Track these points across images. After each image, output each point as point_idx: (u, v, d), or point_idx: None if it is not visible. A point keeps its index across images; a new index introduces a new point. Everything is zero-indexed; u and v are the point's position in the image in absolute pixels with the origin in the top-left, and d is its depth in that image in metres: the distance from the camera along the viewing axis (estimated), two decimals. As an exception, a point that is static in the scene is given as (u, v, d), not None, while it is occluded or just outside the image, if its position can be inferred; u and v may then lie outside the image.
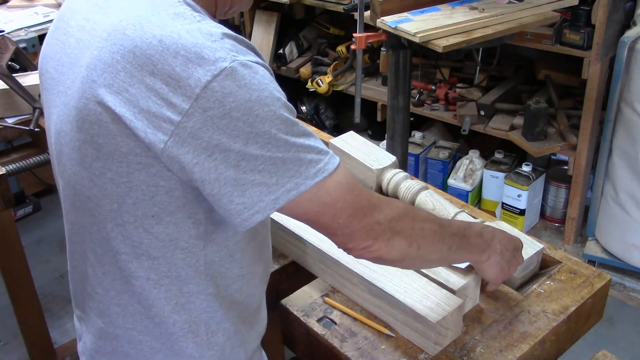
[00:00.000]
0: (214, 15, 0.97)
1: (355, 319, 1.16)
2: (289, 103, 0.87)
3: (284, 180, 0.84)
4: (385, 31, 2.14)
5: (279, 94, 0.85)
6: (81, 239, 0.98)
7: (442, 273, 1.14)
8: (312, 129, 1.78)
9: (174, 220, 0.90)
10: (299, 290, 1.23)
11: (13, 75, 1.99)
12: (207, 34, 0.82)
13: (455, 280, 1.13)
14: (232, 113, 0.80)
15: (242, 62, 0.81)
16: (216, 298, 0.97)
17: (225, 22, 4.07)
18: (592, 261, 2.69)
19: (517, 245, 1.13)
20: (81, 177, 0.91)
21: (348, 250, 0.92)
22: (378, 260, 0.94)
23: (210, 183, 0.83)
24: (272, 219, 1.29)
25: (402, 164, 2.51)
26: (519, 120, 2.84)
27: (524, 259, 1.18)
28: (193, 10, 0.87)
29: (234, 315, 1.00)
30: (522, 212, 2.90)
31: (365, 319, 1.15)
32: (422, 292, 1.11)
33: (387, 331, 1.12)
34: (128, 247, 0.92)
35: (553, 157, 3.06)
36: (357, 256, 0.92)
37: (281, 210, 0.86)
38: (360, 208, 0.89)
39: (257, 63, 0.84)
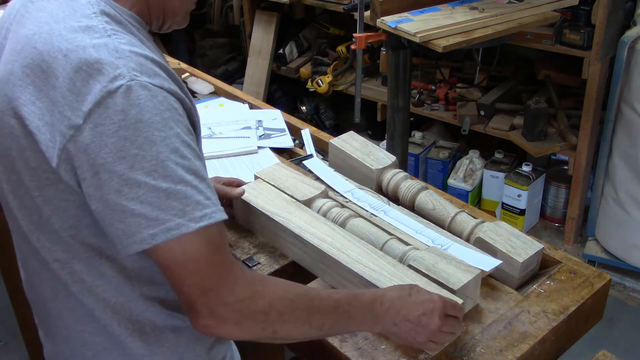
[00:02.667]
0: (149, 26, 0.96)
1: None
2: (189, 140, 0.84)
3: (165, 216, 0.80)
4: (385, 31, 2.14)
5: (178, 125, 0.82)
6: (20, 248, 0.99)
7: (442, 273, 1.14)
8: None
9: (92, 232, 0.89)
10: (299, 290, 1.22)
11: None
12: (112, 50, 0.81)
13: (455, 280, 1.13)
14: (120, 132, 0.78)
15: (142, 83, 0.80)
16: (155, 299, 0.95)
17: (225, 22, 4.05)
18: (592, 261, 2.69)
19: (427, 310, 1.00)
20: (5, 189, 0.92)
21: (191, 322, 0.86)
22: (224, 338, 0.89)
23: (95, 200, 0.82)
24: (273, 220, 1.29)
25: (402, 164, 2.51)
26: (519, 120, 2.83)
27: (471, 303, 1.14)
28: (110, 21, 0.85)
29: (182, 312, 0.97)
30: (522, 212, 2.90)
31: None
32: None
33: None
34: (56, 256, 0.92)
35: (553, 157, 3.06)
36: (200, 332, 0.86)
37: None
38: (210, 280, 0.83)
39: (161, 87, 0.82)
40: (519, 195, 2.86)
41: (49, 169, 0.84)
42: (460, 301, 1.09)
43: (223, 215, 0.84)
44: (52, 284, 0.96)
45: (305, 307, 0.91)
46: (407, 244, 1.25)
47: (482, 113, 2.93)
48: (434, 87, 3.12)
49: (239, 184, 1.39)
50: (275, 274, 1.28)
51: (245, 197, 1.36)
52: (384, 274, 1.14)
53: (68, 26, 0.84)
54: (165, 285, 0.93)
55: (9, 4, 0.96)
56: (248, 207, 1.36)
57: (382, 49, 2.33)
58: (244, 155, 1.69)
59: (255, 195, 1.36)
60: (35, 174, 0.86)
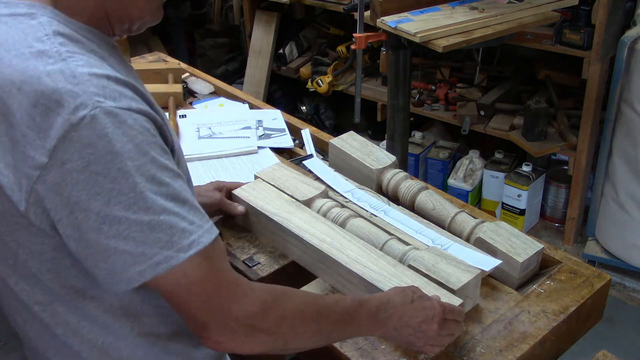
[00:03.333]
0: (111, 34, 0.89)
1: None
2: (165, 162, 0.79)
3: (152, 251, 0.75)
4: (385, 31, 2.14)
5: (152, 147, 0.77)
6: (1, 291, 0.94)
7: (442, 273, 1.14)
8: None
9: (73, 274, 0.84)
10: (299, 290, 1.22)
11: None
12: (69, 76, 0.75)
13: (455, 280, 1.13)
14: (91, 167, 0.73)
15: (106, 109, 0.74)
16: (146, 334, 0.92)
17: (225, 22, 4.04)
18: (592, 261, 2.69)
19: (428, 317, 1.00)
20: None
21: (201, 340, 0.83)
22: (236, 353, 0.86)
23: (74, 241, 0.77)
24: (272, 220, 1.29)
25: (402, 164, 2.51)
26: (519, 120, 2.83)
27: (471, 303, 1.15)
28: (66, 41, 0.79)
29: (175, 348, 0.95)
30: (522, 212, 2.90)
31: None
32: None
33: None
34: (36, 299, 0.87)
35: (553, 157, 3.06)
36: (212, 349, 0.84)
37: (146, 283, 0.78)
38: (218, 298, 0.80)
39: (129, 109, 0.76)
40: (519, 195, 2.86)
41: (17, 213, 0.79)
42: (459, 301, 1.09)
43: (212, 235, 0.80)
44: (35, 325, 0.91)
45: (316, 318, 0.90)
46: (407, 244, 1.25)
47: (482, 113, 2.93)
48: (434, 87, 3.12)
49: (239, 185, 1.40)
50: (275, 274, 1.28)
51: (245, 197, 1.36)
52: (384, 274, 1.14)
53: (19, 53, 0.77)
54: (156, 317, 0.91)
55: None
56: (248, 207, 1.36)
57: (382, 49, 2.33)
58: (244, 155, 1.69)
59: (255, 196, 1.36)
60: (4, 218, 0.81)
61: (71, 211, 0.75)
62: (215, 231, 0.82)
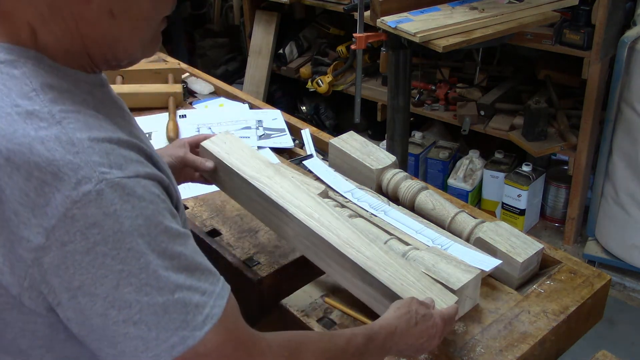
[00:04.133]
0: (95, 70, 0.81)
1: (355, 319, 1.16)
2: (175, 227, 0.72)
3: (166, 334, 0.69)
4: (385, 31, 2.14)
5: (163, 216, 0.71)
6: None
7: (442, 273, 1.14)
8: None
9: (68, 345, 0.76)
10: (299, 290, 1.22)
11: None
12: (67, 143, 0.67)
13: (455, 280, 1.13)
14: (97, 248, 0.66)
15: (112, 182, 0.67)
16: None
17: (225, 22, 4.03)
18: (592, 261, 2.69)
19: (430, 336, 1.00)
20: None
21: None
22: None
23: (77, 324, 0.70)
24: (250, 184, 1.20)
25: (402, 164, 2.51)
26: (519, 120, 2.84)
27: (471, 303, 1.14)
28: (56, 97, 0.70)
29: None
30: (522, 212, 2.90)
31: (365, 318, 1.15)
32: (419, 287, 1.08)
33: None
34: None
35: (553, 157, 3.06)
36: None
37: None
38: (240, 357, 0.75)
39: (137, 176, 0.69)
40: (519, 195, 2.86)
41: (7, 295, 0.70)
42: (455, 299, 1.08)
43: (224, 301, 0.74)
44: None
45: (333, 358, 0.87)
46: (407, 244, 1.25)
47: (482, 113, 2.93)
48: (434, 87, 3.12)
49: (205, 137, 1.27)
50: (276, 273, 1.28)
51: (216, 152, 1.23)
52: (379, 262, 1.09)
53: (3, 114, 0.67)
54: None
55: None
56: (219, 163, 1.22)
57: (382, 49, 2.33)
58: (244, 155, 1.69)
59: (228, 152, 1.22)
60: None
61: (73, 296, 0.68)
62: (226, 292, 0.75)
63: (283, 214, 1.16)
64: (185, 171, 1.27)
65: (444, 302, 1.08)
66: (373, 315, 1.16)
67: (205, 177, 1.29)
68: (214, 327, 0.72)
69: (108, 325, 0.68)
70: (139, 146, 0.74)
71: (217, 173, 1.24)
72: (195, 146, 1.27)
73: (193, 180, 1.30)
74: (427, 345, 1.01)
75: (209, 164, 1.23)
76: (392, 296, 1.08)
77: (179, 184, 1.26)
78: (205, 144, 1.25)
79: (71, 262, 0.66)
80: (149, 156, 0.76)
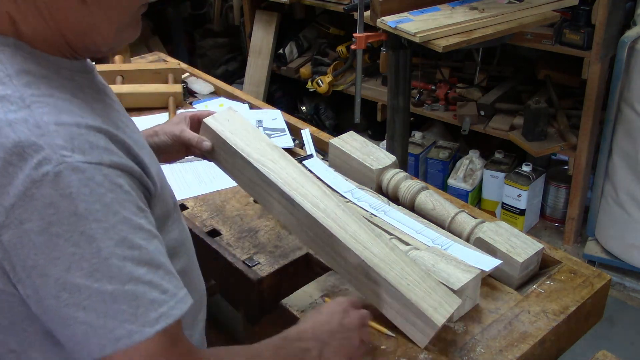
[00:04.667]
0: (76, 56, 0.82)
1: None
2: (140, 221, 0.72)
3: (113, 324, 0.69)
4: (385, 31, 2.14)
5: (124, 207, 0.71)
6: None
7: (442, 273, 1.14)
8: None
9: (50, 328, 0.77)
10: (299, 290, 1.22)
11: None
12: (33, 126, 0.68)
13: (455, 280, 1.13)
14: (52, 229, 0.67)
15: (72, 165, 0.68)
16: None
17: (225, 22, 4.02)
18: (592, 261, 2.69)
19: (341, 312, 1.00)
20: None
21: None
22: None
23: (34, 303, 0.72)
24: (254, 167, 1.15)
25: (402, 164, 2.51)
26: (519, 120, 2.84)
27: (471, 303, 1.14)
28: (32, 81, 0.73)
29: None
30: (522, 212, 2.90)
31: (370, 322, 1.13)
32: (424, 287, 1.08)
33: (387, 331, 1.12)
34: (10, 346, 0.80)
35: (553, 157, 3.06)
36: None
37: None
38: None
39: (99, 164, 0.70)
40: (519, 195, 2.86)
41: None
42: (458, 301, 1.08)
43: (185, 305, 0.74)
44: None
45: None
46: (407, 244, 1.25)
47: (482, 113, 2.93)
48: (434, 87, 3.13)
49: (209, 114, 1.23)
50: (276, 273, 1.28)
51: (218, 129, 1.17)
52: (386, 260, 1.07)
53: None
54: None
55: None
56: (222, 142, 1.17)
57: (382, 49, 2.33)
58: (244, 155, 1.69)
59: (231, 131, 1.17)
60: None
61: (29, 275, 0.69)
62: (189, 301, 0.75)
63: (288, 202, 1.13)
64: (181, 148, 1.22)
65: (449, 306, 1.07)
66: (376, 317, 1.16)
67: (204, 153, 1.23)
68: (168, 328, 0.72)
69: (60, 307, 0.69)
70: (112, 133, 0.74)
71: (217, 151, 1.19)
72: (197, 121, 1.22)
73: (188, 156, 1.25)
74: (348, 321, 0.99)
75: (206, 144, 1.18)
76: (397, 296, 1.07)
77: (175, 160, 1.25)
78: (207, 120, 1.19)
79: (27, 241, 0.67)
80: (124, 145, 0.76)
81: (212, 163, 1.24)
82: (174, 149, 1.20)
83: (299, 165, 1.18)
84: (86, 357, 0.71)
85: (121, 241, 0.70)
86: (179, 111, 1.90)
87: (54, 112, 0.71)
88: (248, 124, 1.21)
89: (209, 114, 1.22)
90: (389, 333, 1.11)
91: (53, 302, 0.69)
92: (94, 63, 0.89)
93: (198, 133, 1.21)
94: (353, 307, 1.03)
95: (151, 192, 0.81)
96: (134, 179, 0.76)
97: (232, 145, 1.16)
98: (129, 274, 0.70)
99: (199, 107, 1.99)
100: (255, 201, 1.48)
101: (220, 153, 1.19)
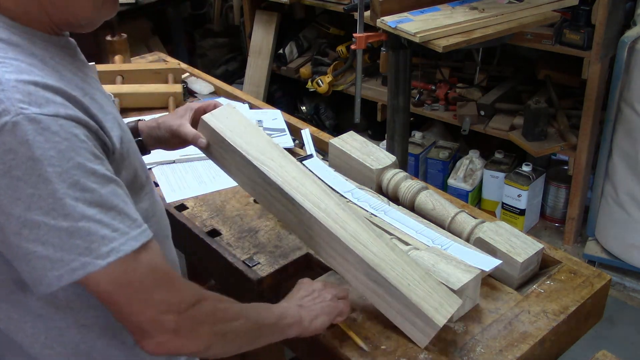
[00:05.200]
0: (60, 33, 0.90)
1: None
2: (94, 167, 0.80)
3: (69, 257, 0.77)
4: (385, 31, 2.13)
5: (79, 153, 0.78)
6: None
7: (442, 273, 1.14)
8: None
9: (13, 267, 0.84)
10: (299, 290, 1.22)
11: None
12: None
13: (455, 280, 1.13)
14: (12, 172, 0.75)
15: (29, 116, 0.76)
16: (91, 329, 0.93)
17: (225, 22, 4.02)
18: (592, 261, 2.69)
19: (313, 290, 1.12)
20: None
21: (140, 345, 0.85)
22: (179, 353, 0.88)
23: (0, 243, 0.80)
24: (254, 165, 1.16)
25: (402, 164, 2.51)
26: (519, 120, 2.83)
27: (471, 303, 1.16)
28: (2, 47, 0.81)
29: (122, 341, 0.96)
30: (522, 212, 2.90)
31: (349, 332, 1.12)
32: (425, 287, 1.08)
33: (361, 343, 1.10)
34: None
35: (553, 157, 3.06)
36: (150, 352, 0.86)
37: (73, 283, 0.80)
38: (156, 297, 0.83)
39: (55, 116, 0.77)
40: (519, 195, 2.86)
41: None
42: (459, 302, 1.08)
43: (136, 243, 0.81)
44: None
45: (241, 307, 0.96)
46: (407, 244, 1.25)
47: (482, 113, 2.93)
48: (434, 87, 3.12)
49: (215, 105, 1.25)
50: (276, 273, 1.28)
51: (218, 128, 1.17)
52: (386, 259, 1.08)
53: None
54: (99, 309, 0.90)
55: None
56: (220, 140, 1.17)
57: (382, 49, 2.33)
58: (244, 155, 1.69)
59: (230, 128, 1.17)
60: None
61: None
62: (144, 237, 0.83)
63: (288, 201, 1.13)
64: (179, 141, 1.25)
65: (450, 306, 1.07)
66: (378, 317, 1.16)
67: (202, 150, 1.25)
68: (122, 264, 0.80)
69: (21, 243, 0.77)
70: (70, 94, 0.81)
71: (215, 148, 1.20)
72: (201, 114, 1.23)
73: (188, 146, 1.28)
74: (316, 287, 1.11)
75: (202, 141, 1.20)
76: (398, 296, 1.07)
77: (178, 148, 1.29)
78: (206, 118, 1.19)
79: None
80: (81, 105, 0.83)
81: (212, 163, 1.24)
82: (172, 142, 1.25)
83: (299, 164, 1.17)
84: (45, 290, 0.79)
85: (74, 184, 0.77)
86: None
87: (15, 72, 0.79)
88: (247, 121, 1.20)
89: (216, 105, 1.23)
90: (363, 346, 1.10)
91: (15, 238, 0.77)
92: (92, 64, 0.92)
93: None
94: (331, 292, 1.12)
95: (109, 148, 0.88)
96: (91, 132, 0.83)
97: (231, 144, 1.16)
98: (82, 212, 0.77)
99: (199, 107, 1.99)
100: (255, 201, 1.48)
101: (218, 151, 1.19)
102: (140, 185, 0.98)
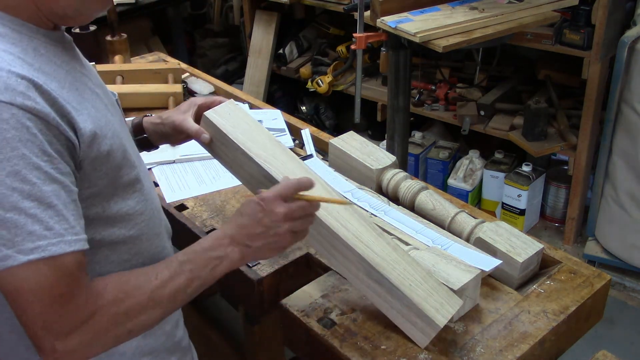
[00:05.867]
0: (52, 27, 0.90)
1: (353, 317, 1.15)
2: (40, 162, 0.78)
3: None
4: (385, 31, 2.14)
5: (26, 145, 0.77)
6: None
7: (442, 273, 1.14)
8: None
9: None
10: (299, 290, 1.22)
11: None
12: None
13: (455, 280, 1.13)
14: None
15: None
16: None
17: (225, 22, 4.03)
18: (592, 261, 2.69)
19: (257, 212, 0.96)
20: None
21: (39, 353, 0.83)
22: None
23: None
24: (256, 162, 1.14)
25: (402, 164, 2.51)
26: (519, 120, 2.84)
27: (471, 303, 1.12)
28: None
29: None
30: (522, 212, 2.90)
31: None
32: (426, 288, 1.08)
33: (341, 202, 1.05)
34: None
35: (553, 157, 3.06)
36: None
37: None
38: (51, 315, 0.80)
39: (10, 104, 0.77)
40: (519, 195, 2.86)
41: None
42: (460, 302, 1.08)
43: (68, 247, 0.80)
44: None
45: (149, 293, 0.89)
46: (407, 243, 1.25)
47: (482, 113, 2.93)
48: (434, 87, 3.12)
49: (219, 101, 1.24)
50: (276, 273, 1.28)
51: (220, 124, 1.16)
52: (387, 259, 1.07)
53: None
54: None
55: None
56: (223, 137, 1.16)
57: (382, 49, 2.33)
58: (244, 155, 1.69)
59: (233, 125, 1.16)
60: None
61: None
62: (78, 245, 0.81)
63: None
64: (182, 136, 1.24)
65: (451, 307, 1.07)
66: (378, 315, 1.16)
67: (202, 145, 1.23)
68: (43, 265, 0.77)
69: None
70: (39, 84, 0.80)
71: (217, 145, 1.18)
72: (205, 109, 1.22)
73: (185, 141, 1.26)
74: (267, 220, 0.96)
75: (205, 136, 1.18)
76: (399, 296, 1.07)
77: (178, 143, 1.28)
78: (208, 114, 1.18)
79: None
80: (49, 96, 0.81)
81: (212, 163, 1.24)
82: (176, 138, 1.25)
83: (302, 162, 1.17)
84: None
85: (13, 173, 0.76)
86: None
87: None
88: (250, 118, 1.20)
89: (221, 101, 1.23)
90: (345, 202, 1.05)
91: None
92: (92, 64, 0.91)
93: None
94: (280, 199, 0.98)
95: (73, 143, 0.85)
96: (50, 126, 0.81)
97: (234, 140, 1.15)
98: (14, 203, 0.76)
99: (199, 107, 1.99)
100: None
101: (220, 147, 1.19)
102: (127, 183, 0.97)
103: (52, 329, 0.81)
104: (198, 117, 1.22)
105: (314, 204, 1.01)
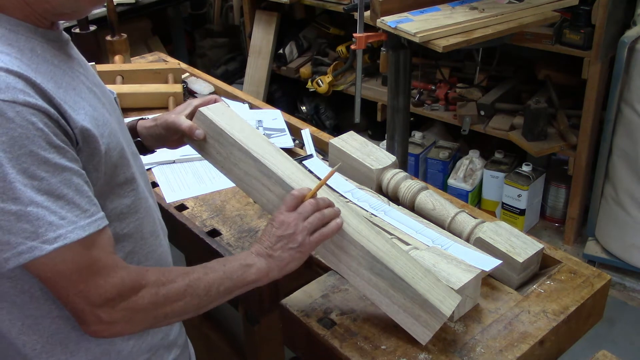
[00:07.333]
0: (48, 26, 0.91)
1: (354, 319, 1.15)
2: (48, 156, 0.81)
3: (17, 240, 0.79)
4: (385, 31, 2.14)
5: (33, 141, 0.79)
6: None
7: (442, 273, 1.14)
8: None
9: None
10: (299, 290, 1.22)
11: None
12: None
13: (456, 280, 1.13)
14: None
15: None
16: (65, 319, 0.94)
17: (225, 22, 4.03)
18: (592, 261, 2.69)
19: (283, 236, 1.03)
20: None
21: (82, 329, 0.88)
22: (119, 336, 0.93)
23: None
24: (255, 159, 1.13)
25: (402, 164, 2.51)
26: (519, 120, 2.84)
27: (471, 303, 1.13)
28: None
29: None
30: (522, 212, 2.90)
31: None
32: (428, 281, 1.08)
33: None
34: None
35: (553, 157, 3.06)
36: (92, 336, 0.89)
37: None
38: (94, 289, 0.85)
39: (13, 102, 0.79)
40: (519, 195, 2.86)
41: None
42: (458, 298, 1.08)
43: (83, 232, 0.83)
44: None
45: (187, 282, 0.94)
46: (407, 243, 1.25)
47: (482, 113, 2.93)
48: (434, 87, 3.13)
49: (215, 101, 1.23)
50: (275, 274, 1.28)
51: (216, 120, 1.15)
52: (389, 253, 1.08)
53: None
54: None
55: None
56: (218, 133, 1.15)
57: (382, 49, 2.33)
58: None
59: (228, 123, 1.16)
60: None
61: None
62: (93, 227, 0.84)
63: (287, 193, 1.10)
64: (176, 136, 1.22)
65: (452, 300, 1.07)
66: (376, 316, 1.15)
67: (189, 143, 1.22)
68: (69, 250, 0.82)
69: None
70: (34, 82, 0.82)
71: (209, 142, 1.17)
72: (201, 105, 1.22)
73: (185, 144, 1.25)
74: (291, 230, 1.03)
75: (199, 132, 1.17)
76: (403, 288, 1.06)
77: (178, 147, 1.27)
78: (203, 110, 1.17)
79: None
80: (44, 93, 0.83)
81: (212, 167, 1.22)
82: (170, 139, 1.24)
83: (295, 162, 1.17)
84: None
85: (23, 171, 0.78)
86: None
87: None
88: (242, 119, 1.19)
89: (216, 100, 1.23)
90: (333, 169, 1.08)
91: None
92: (92, 64, 0.90)
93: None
94: (286, 211, 1.05)
95: (72, 138, 0.87)
96: (51, 120, 0.83)
97: (230, 135, 1.14)
98: (30, 198, 0.79)
99: (199, 107, 1.99)
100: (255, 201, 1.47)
101: (213, 144, 1.17)
102: (123, 181, 0.98)
103: (92, 301, 0.85)
104: (193, 117, 1.21)
105: (323, 198, 1.07)
